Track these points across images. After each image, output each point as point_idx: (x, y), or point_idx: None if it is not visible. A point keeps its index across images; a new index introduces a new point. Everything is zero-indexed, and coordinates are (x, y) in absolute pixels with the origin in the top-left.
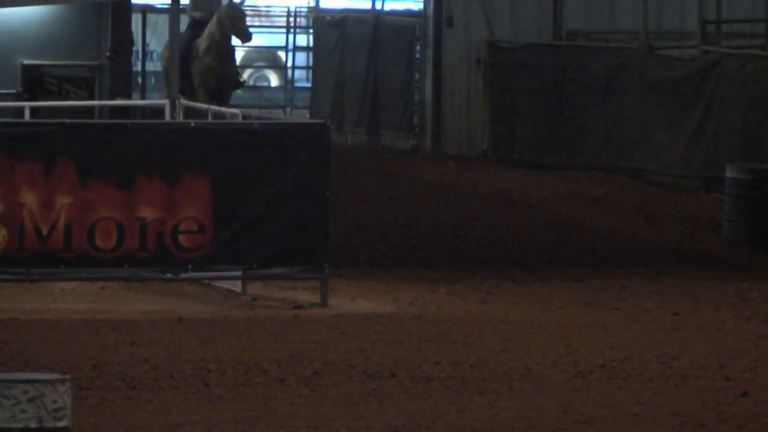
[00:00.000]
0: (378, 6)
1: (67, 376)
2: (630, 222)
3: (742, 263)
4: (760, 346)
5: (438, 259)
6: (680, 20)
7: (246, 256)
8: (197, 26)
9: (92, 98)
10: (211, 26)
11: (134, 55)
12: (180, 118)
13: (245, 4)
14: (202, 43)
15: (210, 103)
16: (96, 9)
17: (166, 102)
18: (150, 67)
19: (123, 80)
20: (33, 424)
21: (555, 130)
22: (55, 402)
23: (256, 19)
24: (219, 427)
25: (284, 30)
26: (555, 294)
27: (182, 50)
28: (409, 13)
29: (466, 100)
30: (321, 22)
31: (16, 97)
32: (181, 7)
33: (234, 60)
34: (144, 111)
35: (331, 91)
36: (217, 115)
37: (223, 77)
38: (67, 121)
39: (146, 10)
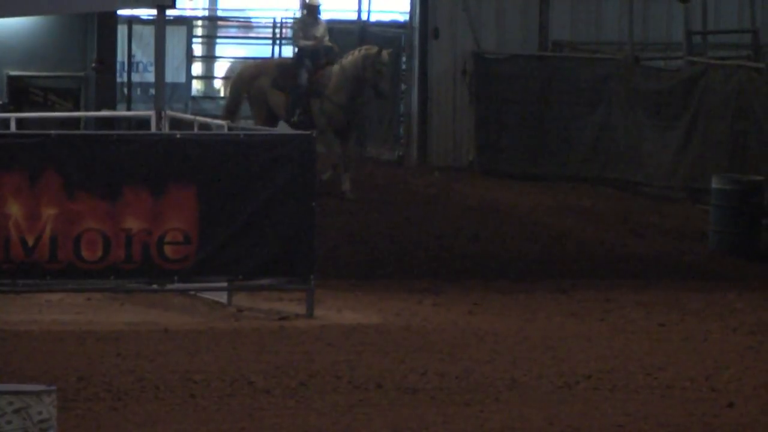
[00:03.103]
0: (364, 17)
1: (53, 388)
2: (616, 233)
3: (727, 274)
4: (746, 356)
5: (424, 270)
6: (666, 31)
7: (232, 267)
8: (312, 56)
9: (78, 109)
10: (354, 67)
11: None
12: (166, 130)
13: (231, 16)
14: (332, 78)
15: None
16: (82, 20)
17: (151, 113)
18: (136, 78)
19: (108, 91)
20: None
21: (541, 141)
22: (40, 413)
23: (240, 30)
24: None
25: (270, 41)
26: (541, 305)
27: (306, 82)
28: (395, 24)
29: (451, 111)
30: None
31: (2, 108)
32: (167, 18)
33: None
34: (130, 122)
35: None
36: (203, 127)
37: (353, 113)
38: (53, 132)
39: (132, 21)
